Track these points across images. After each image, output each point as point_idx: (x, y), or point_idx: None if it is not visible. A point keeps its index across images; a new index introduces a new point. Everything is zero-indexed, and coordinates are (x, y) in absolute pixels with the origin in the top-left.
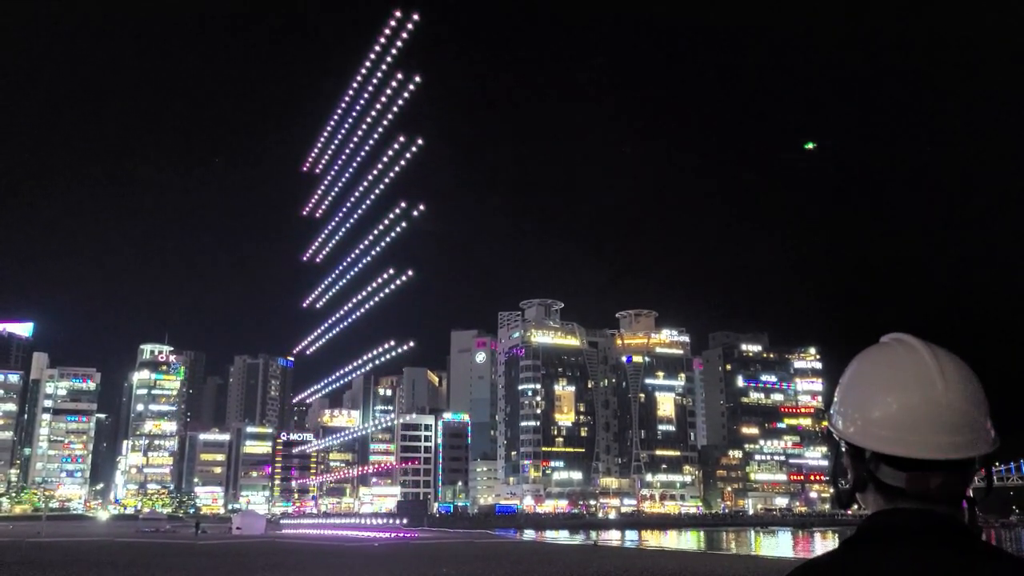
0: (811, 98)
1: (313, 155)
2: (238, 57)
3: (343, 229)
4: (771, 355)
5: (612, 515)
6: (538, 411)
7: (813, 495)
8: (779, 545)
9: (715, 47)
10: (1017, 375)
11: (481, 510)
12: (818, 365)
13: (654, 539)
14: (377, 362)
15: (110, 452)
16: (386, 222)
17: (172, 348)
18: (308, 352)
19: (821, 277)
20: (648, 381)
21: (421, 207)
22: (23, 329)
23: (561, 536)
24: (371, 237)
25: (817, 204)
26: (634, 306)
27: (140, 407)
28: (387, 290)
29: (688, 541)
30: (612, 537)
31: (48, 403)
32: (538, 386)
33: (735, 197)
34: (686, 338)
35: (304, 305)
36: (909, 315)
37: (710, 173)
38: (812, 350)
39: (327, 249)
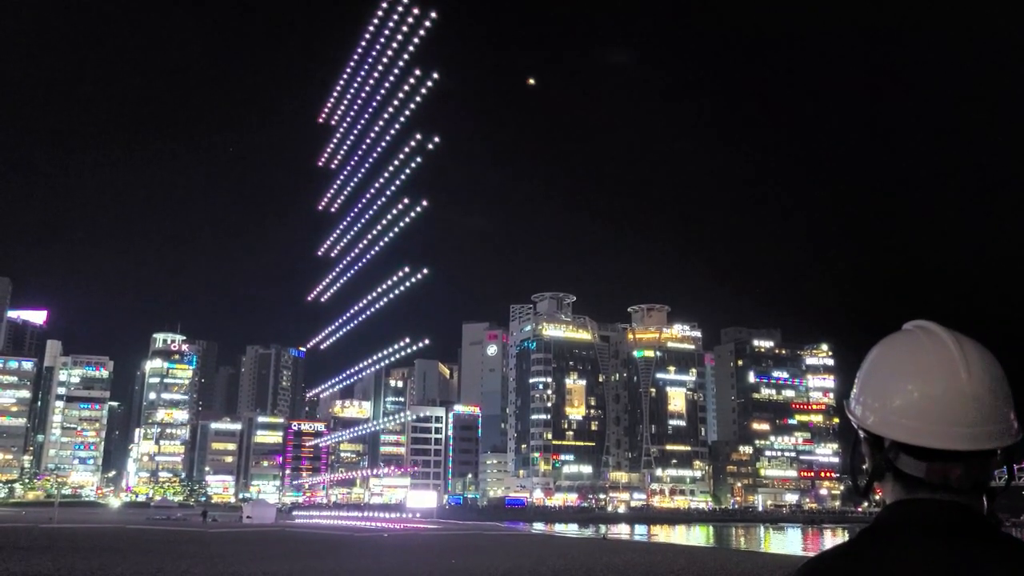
0: (823, 96)
1: (329, 106)
2: (243, 35)
3: (358, 175)
4: (783, 351)
5: (621, 509)
6: (549, 404)
7: (823, 492)
8: (789, 542)
9: (740, 41)
10: None
11: (491, 502)
12: (830, 362)
13: (663, 534)
14: (391, 359)
15: (122, 440)
16: (401, 156)
17: (185, 337)
18: (321, 347)
19: (834, 273)
20: (659, 376)
21: (436, 140)
22: (37, 317)
23: (570, 529)
24: (385, 177)
25: (831, 201)
26: (646, 300)
27: (152, 396)
28: (402, 288)
29: (697, 536)
30: (621, 531)
31: (61, 390)
32: (549, 379)
33: (748, 193)
34: (698, 333)
35: (309, 299)
36: (924, 311)
37: (724, 170)
38: (824, 346)
39: (341, 198)
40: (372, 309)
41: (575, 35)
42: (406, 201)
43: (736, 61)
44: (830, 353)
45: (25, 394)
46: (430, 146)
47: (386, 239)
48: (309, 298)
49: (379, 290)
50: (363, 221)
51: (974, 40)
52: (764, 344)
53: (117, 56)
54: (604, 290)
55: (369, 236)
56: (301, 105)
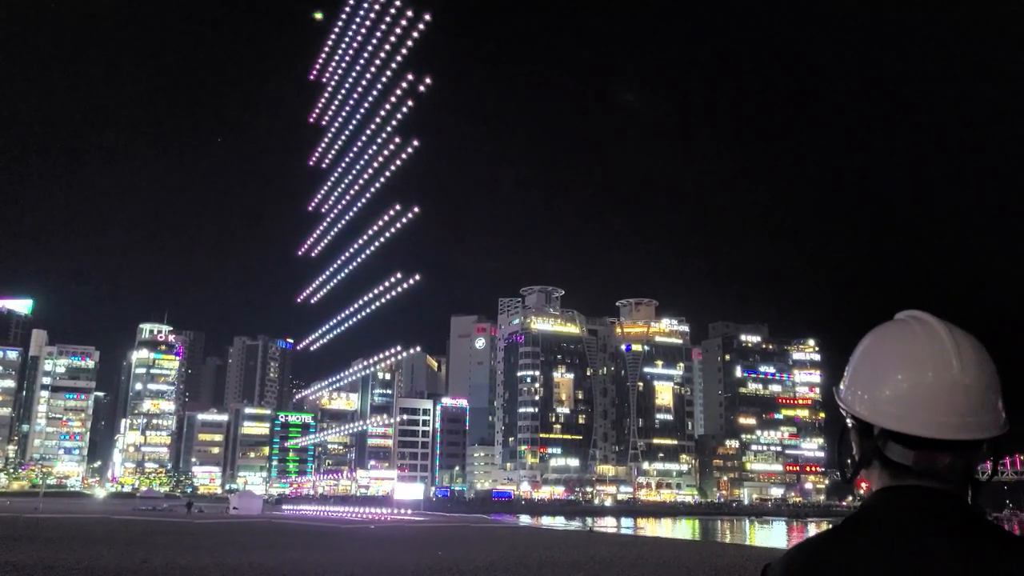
0: (809, 93)
1: (318, 64)
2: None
3: (348, 128)
4: (770, 346)
5: (608, 502)
6: (536, 398)
7: (808, 486)
8: (774, 535)
9: (729, 39)
10: (1017, 368)
11: (478, 495)
12: (816, 357)
13: (650, 527)
14: (381, 363)
15: (108, 430)
16: (392, 98)
17: (171, 328)
18: (312, 348)
19: (822, 269)
20: (647, 370)
21: (428, 80)
22: (22, 306)
23: (557, 522)
24: (374, 125)
25: (819, 197)
26: (634, 295)
27: (139, 386)
28: (392, 295)
29: (683, 529)
30: (608, 524)
31: (47, 380)
32: (537, 373)
33: (736, 189)
34: (686, 327)
35: (299, 300)
36: (911, 306)
37: (713, 165)
38: (811, 342)
39: (331, 154)
40: (359, 257)
41: (570, 30)
42: (397, 140)
43: (725, 60)
44: (816, 348)
45: (10, 383)
46: (421, 88)
47: (376, 186)
48: (300, 252)
49: (364, 238)
50: (352, 174)
51: (962, 36)
52: (751, 339)
53: (97, 42)
54: (592, 284)
55: (356, 187)
56: (290, 79)
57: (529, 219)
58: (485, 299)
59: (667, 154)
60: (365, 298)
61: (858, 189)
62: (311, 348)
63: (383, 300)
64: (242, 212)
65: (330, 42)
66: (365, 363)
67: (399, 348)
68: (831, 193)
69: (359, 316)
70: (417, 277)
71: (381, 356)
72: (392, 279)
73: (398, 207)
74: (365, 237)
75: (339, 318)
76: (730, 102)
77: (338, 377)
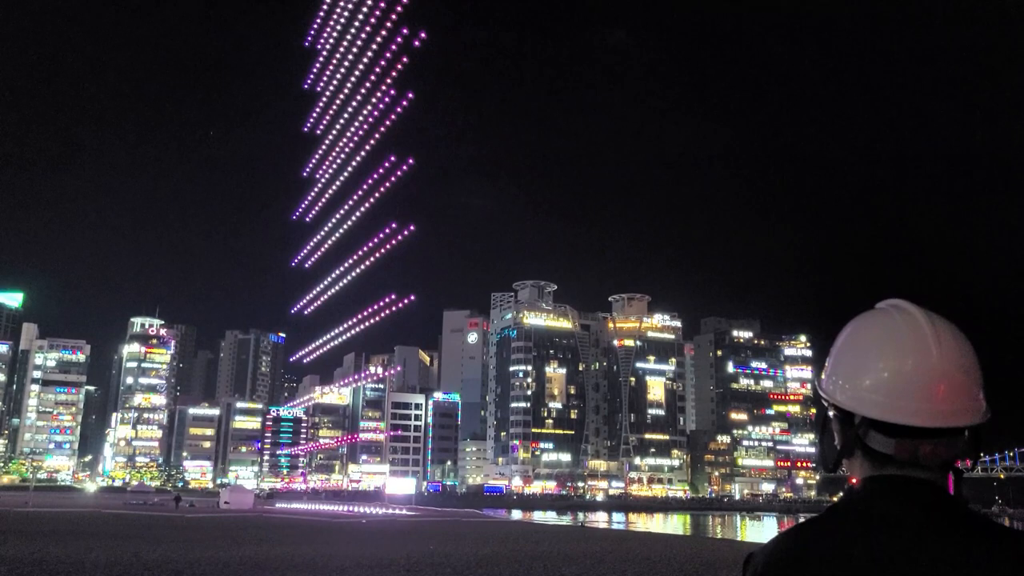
0: (801, 88)
1: (312, 32)
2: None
3: (339, 98)
4: (762, 342)
5: (600, 497)
6: (529, 392)
7: (799, 481)
8: (764, 530)
9: (722, 29)
10: (1005, 364)
11: (470, 490)
12: (808, 352)
13: (641, 522)
14: (377, 318)
15: (99, 424)
16: (388, 54)
17: (163, 322)
18: (305, 311)
19: (813, 265)
20: (639, 365)
21: (422, 35)
22: (12, 299)
23: (549, 517)
24: (370, 114)
25: (811, 194)
26: (627, 290)
27: (130, 380)
28: (387, 245)
29: (675, 525)
30: (599, 519)
31: (37, 374)
32: (529, 368)
33: (729, 185)
34: (678, 323)
35: (294, 263)
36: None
37: (706, 160)
38: (803, 337)
39: (324, 122)
40: (353, 216)
41: (561, 11)
42: (393, 92)
43: (717, 52)
44: (808, 344)
45: (0, 377)
46: (416, 43)
47: (369, 145)
48: (296, 218)
49: (358, 195)
50: (346, 136)
51: (952, 31)
52: (743, 334)
53: (94, 48)
54: (585, 279)
55: (350, 147)
56: (284, 62)
57: (522, 214)
58: (478, 294)
59: (661, 150)
60: (359, 253)
61: (851, 185)
62: (305, 312)
63: (377, 255)
64: (236, 205)
65: (324, 7)
66: (362, 314)
67: (394, 296)
68: (824, 189)
69: (354, 272)
70: (411, 228)
71: (377, 307)
72: (387, 230)
73: (393, 159)
74: (359, 194)
75: (334, 276)
76: (724, 98)
77: (334, 334)
